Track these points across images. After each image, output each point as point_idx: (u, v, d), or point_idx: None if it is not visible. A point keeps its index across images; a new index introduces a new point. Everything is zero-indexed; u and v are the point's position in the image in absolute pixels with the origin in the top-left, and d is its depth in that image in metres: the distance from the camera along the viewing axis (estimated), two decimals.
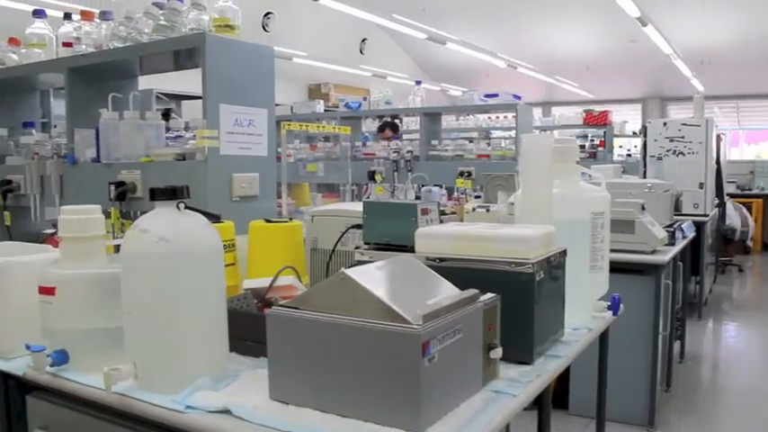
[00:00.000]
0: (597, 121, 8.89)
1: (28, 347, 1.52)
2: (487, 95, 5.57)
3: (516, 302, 1.42)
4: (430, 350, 1.11)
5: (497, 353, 1.34)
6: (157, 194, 1.37)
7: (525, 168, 1.80)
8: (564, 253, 1.62)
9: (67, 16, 2.65)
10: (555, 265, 1.56)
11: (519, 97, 5.57)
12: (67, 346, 1.51)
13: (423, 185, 5.02)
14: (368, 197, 5.40)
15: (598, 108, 9.61)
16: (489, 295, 1.35)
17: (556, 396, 2.98)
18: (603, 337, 2.00)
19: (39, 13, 2.77)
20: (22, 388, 1.69)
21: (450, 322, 1.18)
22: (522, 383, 1.36)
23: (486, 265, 1.47)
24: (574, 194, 1.87)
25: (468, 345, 1.26)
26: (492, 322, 1.34)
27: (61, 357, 1.50)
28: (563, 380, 3.20)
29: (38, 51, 2.72)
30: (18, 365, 1.64)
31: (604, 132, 8.87)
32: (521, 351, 1.45)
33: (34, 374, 1.57)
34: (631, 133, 11.05)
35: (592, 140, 9.31)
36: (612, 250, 2.00)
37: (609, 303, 1.85)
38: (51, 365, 1.51)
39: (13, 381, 1.69)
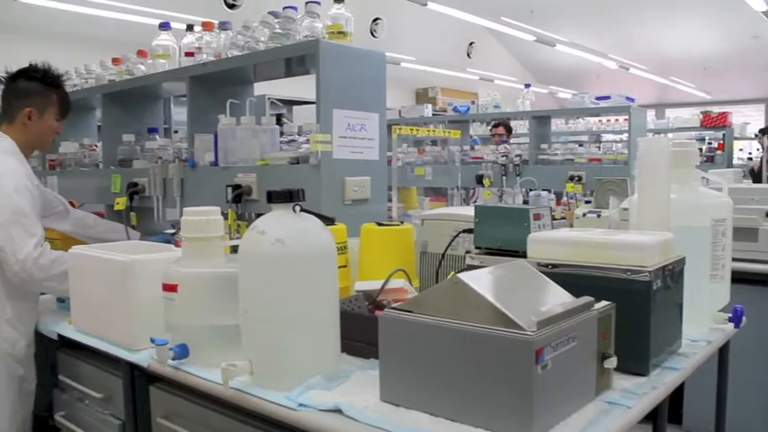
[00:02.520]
0: (715, 123, 8.48)
1: (152, 341, 1.59)
2: (599, 98, 5.42)
3: (632, 311, 1.38)
4: (543, 357, 1.09)
5: (612, 362, 1.30)
6: (274, 197, 1.42)
7: (642, 173, 1.74)
8: (682, 261, 1.56)
9: (190, 28, 2.76)
10: (673, 274, 1.50)
11: (632, 99, 5.39)
12: (188, 340, 1.58)
13: (531, 190, 4.95)
14: (475, 201, 5.37)
15: (716, 109, 9.15)
16: (604, 303, 1.32)
17: (668, 409, 2.86)
18: (723, 351, 1.91)
19: (164, 26, 2.91)
20: (146, 379, 1.79)
21: (564, 329, 1.16)
22: (637, 395, 1.32)
23: (600, 272, 1.43)
24: (693, 200, 1.80)
25: (582, 353, 1.24)
26: (606, 331, 1.31)
27: (182, 351, 1.57)
28: (676, 393, 3.06)
29: (162, 62, 2.84)
30: (143, 357, 1.74)
31: (723, 135, 8.44)
32: (636, 362, 1.41)
33: (158, 366, 1.66)
34: (753, 135, 10.46)
35: (709, 143, 8.88)
36: (734, 259, 1.90)
37: (730, 315, 1.76)
38: (173, 359, 1.58)
39: (139, 372, 1.79)
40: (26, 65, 2.47)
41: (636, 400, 1.30)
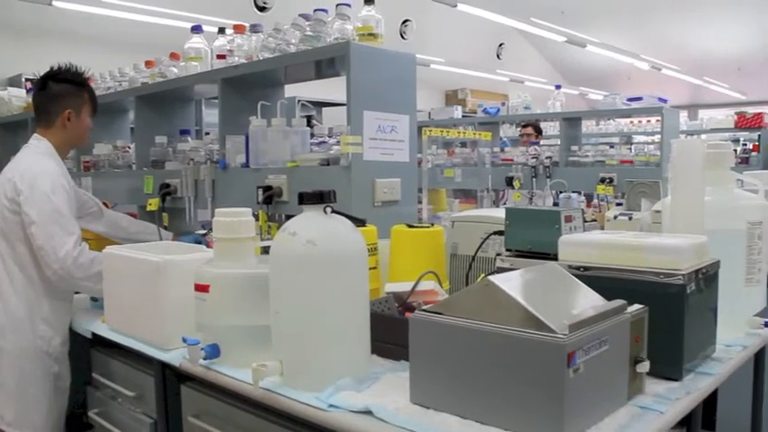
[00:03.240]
0: (750, 123, 8.32)
1: (184, 340, 1.61)
2: (631, 99, 5.36)
3: (665, 315, 1.36)
4: (575, 361, 1.09)
5: (644, 367, 1.29)
6: (306, 199, 1.42)
7: (675, 175, 1.72)
8: (717, 264, 1.54)
9: (221, 31, 2.79)
10: (707, 278, 1.48)
11: (665, 100, 5.32)
12: (219, 340, 1.59)
13: (561, 192, 4.91)
14: (505, 203, 5.35)
15: (751, 110, 8.98)
16: (637, 307, 1.31)
17: (702, 415, 2.80)
18: (759, 356, 1.87)
19: (196, 29, 2.94)
20: (177, 378, 1.81)
21: (596, 333, 1.15)
22: (669, 400, 1.30)
23: (633, 275, 1.42)
24: (728, 202, 1.77)
25: (614, 357, 1.22)
26: (639, 335, 1.30)
27: (214, 351, 1.59)
28: (710, 398, 3.01)
29: (194, 64, 2.87)
30: (174, 356, 1.76)
31: (759, 136, 8.29)
32: (669, 366, 1.39)
33: (189, 366, 1.68)
34: None
35: (744, 145, 8.73)
36: None
37: (766, 320, 1.73)
38: (204, 358, 1.60)
39: (170, 371, 1.81)
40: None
41: (669, 405, 1.28)
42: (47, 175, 2.26)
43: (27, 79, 4.76)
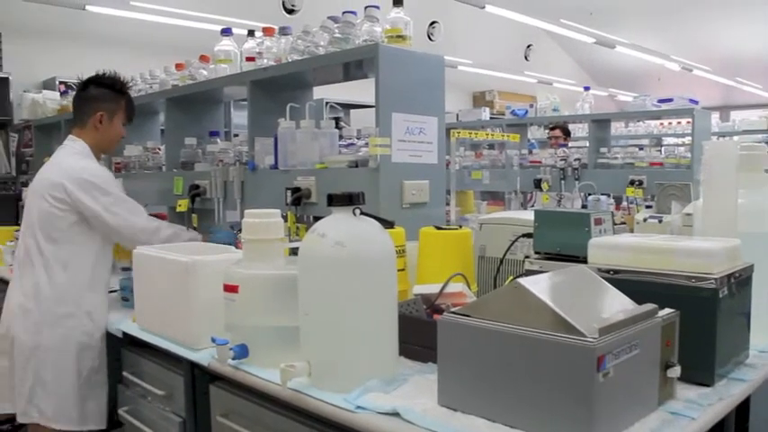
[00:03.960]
0: None
1: (213, 340, 1.62)
2: (661, 101, 5.30)
3: (697, 320, 1.35)
4: (605, 365, 1.08)
5: (675, 371, 1.27)
6: (335, 200, 1.43)
7: (707, 177, 1.69)
8: (750, 269, 1.51)
9: (251, 33, 2.81)
10: (740, 282, 1.46)
11: (696, 102, 5.25)
12: (248, 340, 1.60)
13: (589, 194, 4.87)
14: (533, 205, 5.31)
15: None
16: (668, 311, 1.29)
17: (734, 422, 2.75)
18: None
19: (226, 32, 2.97)
20: (206, 377, 1.82)
21: (626, 337, 1.14)
22: (701, 406, 1.28)
23: (664, 278, 1.40)
24: (762, 205, 1.74)
25: (645, 361, 1.21)
26: (670, 339, 1.28)
27: (242, 351, 1.60)
28: (743, 405, 2.95)
29: (224, 67, 2.89)
30: (204, 356, 1.77)
31: None
32: (700, 372, 1.38)
33: (218, 366, 1.69)
34: None
35: None
36: None
37: None
38: (233, 358, 1.61)
39: (199, 370, 1.83)
40: (94, 71, 2.60)
41: (701, 411, 1.26)
42: (93, 169, 2.41)
43: (61, 82, 4.84)
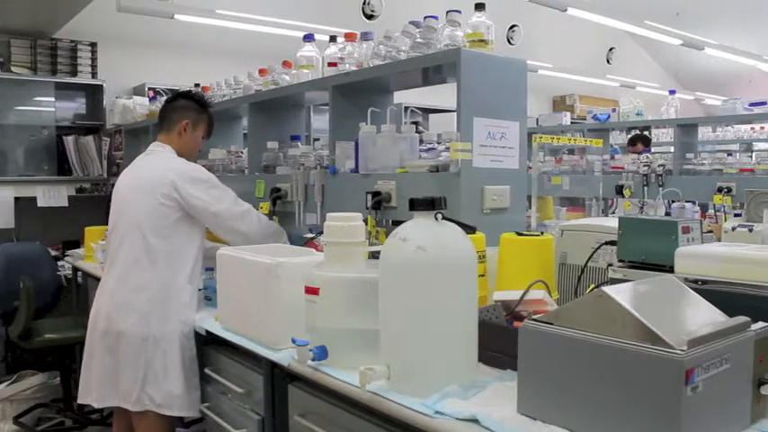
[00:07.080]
0: None
1: (294, 341, 1.65)
2: (753, 104, 5.09)
3: None
4: (694, 379, 1.04)
5: None
6: (417, 205, 1.43)
7: None
8: None
9: (333, 39, 2.84)
10: None
11: None
12: (327, 342, 1.62)
13: (673, 201, 4.72)
14: (614, 212, 5.19)
15: None
16: (762, 324, 1.24)
17: None
18: None
19: (308, 38, 3.02)
20: (285, 377, 1.85)
21: (717, 350, 1.09)
22: None
23: (756, 290, 1.35)
24: None
25: (736, 377, 1.16)
26: (764, 354, 1.22)
27: (322, 353, 1.62)
28: None
29: (306, 72, 2.94)
30: (283, 356, 1.80)
31: None
32: None
33: (297, 366, 1.72)
34: None
35: None
36: None
37: None
38: (313, 359, 1.63)
39: (279, 370, 1.86)
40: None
41: None
42: (198, 168, 2.67)
43: (150, 88, 5.02)
